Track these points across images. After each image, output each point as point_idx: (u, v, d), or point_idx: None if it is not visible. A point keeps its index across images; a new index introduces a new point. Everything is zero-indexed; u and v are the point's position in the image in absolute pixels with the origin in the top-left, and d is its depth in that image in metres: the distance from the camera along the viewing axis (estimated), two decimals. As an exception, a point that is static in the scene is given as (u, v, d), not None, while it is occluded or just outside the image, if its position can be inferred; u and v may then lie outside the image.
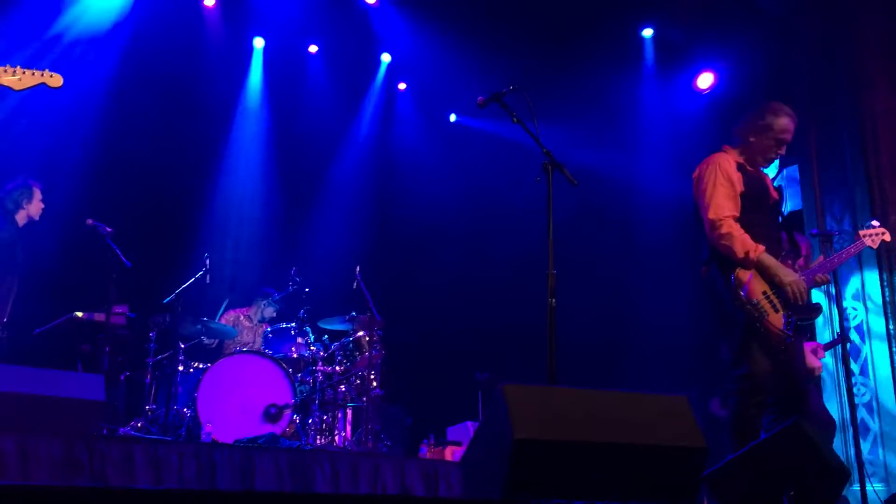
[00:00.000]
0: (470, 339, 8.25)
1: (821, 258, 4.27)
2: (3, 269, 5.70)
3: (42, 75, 3.10)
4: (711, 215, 4.06)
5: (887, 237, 4.47)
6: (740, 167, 4.18)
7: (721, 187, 4.09)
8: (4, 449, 4.14)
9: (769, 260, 3.98)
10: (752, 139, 4.23)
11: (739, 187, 4.12)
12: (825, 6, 7.20)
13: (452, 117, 9.65)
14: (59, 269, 6.58)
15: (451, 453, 6.65)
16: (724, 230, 4.01)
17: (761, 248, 3.98)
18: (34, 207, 5.84)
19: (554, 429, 2.69)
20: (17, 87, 3.04)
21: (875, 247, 4.47)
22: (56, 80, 3.14)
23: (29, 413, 4.59)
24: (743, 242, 3.98)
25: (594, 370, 7.19)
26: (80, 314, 5.92)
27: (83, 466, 4.42)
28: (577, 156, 6.42)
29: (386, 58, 9.11)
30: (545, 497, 2.68)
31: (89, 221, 5.98)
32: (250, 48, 8.81)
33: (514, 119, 4.09)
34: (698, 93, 8.31)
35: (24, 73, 3.06)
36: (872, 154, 6.86)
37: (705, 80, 8.25)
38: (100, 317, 6.02)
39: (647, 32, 8.38)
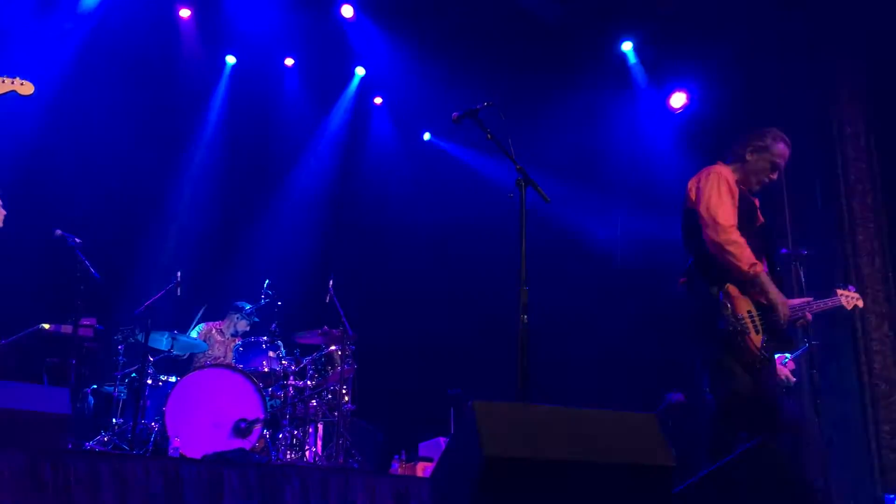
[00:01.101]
0: (442, 355, 8.24)
1: (805, 299, 4.33)
2: None
3: (13, 83, 3.07)
4: (721, 220, 3.99)
5: (860, 303, 4.73)
6: (736, 183, 4.22)
7: (725, 194, 4.07)
8: (-38, 465, 4.05)
9: (766, 278, 3.99)
10: (748, 157, 4.26)
11: (735, 202, 4.15)
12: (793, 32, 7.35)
13: (427, 136, 9.67)
14: (25, 280, 6.49)
15: (422, 469, 6.60)
16: (732, 237, 3.97)
17: (761, 265, 3.99)
18: None
19: (523, 446, 2.68)
20: (-15, 96, 3.00)
21: (849, 308, 4.71)
22: (27, 88, 3.10)
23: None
24: (749, 254, 3.96)
25: (567, 387, 7.21)
26: (46, 326, 5.83)
27: (46, 483, 4.33)
28: (550, 172, 6.46)
29: (360, 71, 9.12)
30: (514, 515, 2.67)
31: (58, 232, 5.90)
32: (223, 61, 8.78)
33: (489, 135, 4.11)
34: (672, 111, 8.40)
35: (-7, 80, 3.01)
36: (842, 174, 6.98)
37: (678, 100, 8.34)
38: (67, 329, 5.93)
39: (627, 46, 8.43)
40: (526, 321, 3.81)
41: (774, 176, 4.30)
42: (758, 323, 3.97)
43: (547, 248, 7.55)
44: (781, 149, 4.26)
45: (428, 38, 8.10)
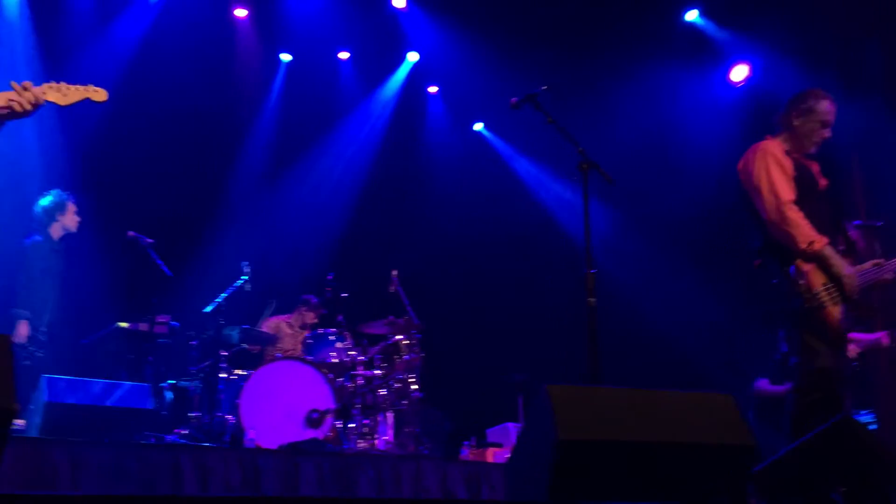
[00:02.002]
0: (506, 340, 8.24)
1: (875, 261, 4.18)
2: (40, 280, 5.84)
3: (87, 90, 3.15)
4: (771, 200, 3.95)
5: None
6: (787, 153, 4.13)
7: (775, 171, 4.00)
8: (56, 459, 4.22)
9: (830, 252, 3.89)
10: (796, 123, 4.18)
11: (791, 172, 4.07)
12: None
13: (479, 125, 9.66)
14: (103, 281, 6.71)
15: (491, 455, 6.64)
16: (786, 216, 3.91)
17: (826, 239, 3.90)
18: (69, 220, 5.97)
19: (599, 429, 2.68)
20: (63, 103, 3.09)
21: None
22: (100, 95, 3.18)
23: (79, 423, 4.69)
24: (806, 232, 3.89)
25: (633, 369, 7.15)
26: (124, 324, 6.03)
27: (132, 474, 4.49)
28: (614, 152, 6.38)
29: (413, 57, 9.06)
30: (592, 499, 2.67)
31: (130, 233, 6.09)
32: (278, 59, 8.90)
33: (549, 119, 4.10)
34: (732, 85, 8.23)
35: (69, 88, 3.10)
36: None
37: (740, 73, 8.16)
38: (143, 327, 6.12)
39: (692, 15, 8.17)
40: (594, 303, 3.80)
41: (827, 133, 4.21)
42: (835, 295, 3.88)
43: (612, 228, 7.48)
44: (827, 106, 4.16)
45: (481, 24, 8.06)
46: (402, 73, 9.21)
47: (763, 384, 6.37)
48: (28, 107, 2.97)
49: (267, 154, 8.82)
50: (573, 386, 2.80)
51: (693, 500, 2.71)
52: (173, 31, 7.84)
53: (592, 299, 3.78)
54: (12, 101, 2.92)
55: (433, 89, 9.51)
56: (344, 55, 9.02)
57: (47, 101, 3.07)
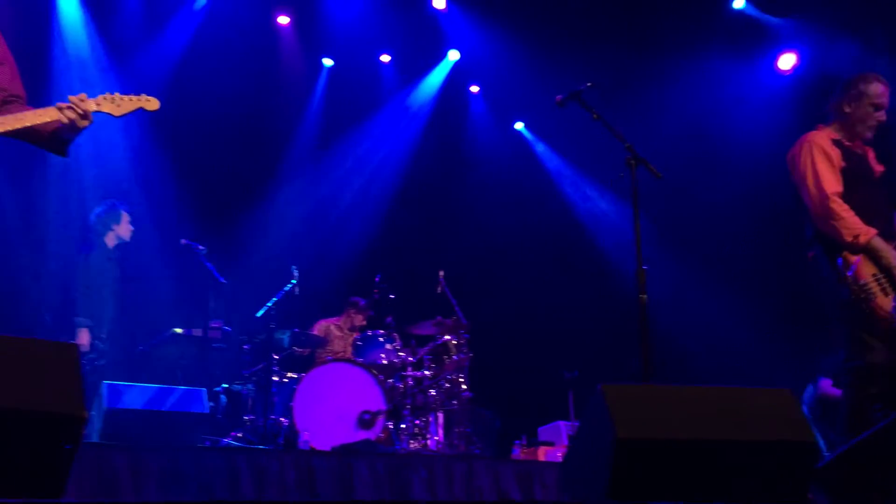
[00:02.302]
0: (556, 338, 8.20)
1: None
2: (97, 289, 5.98)
3: (139, 100, 3.20)
4: (815, 193, 3.90)
5: None
6: (837, 143, 4.05)
7: (821, 163, 3.94)
8: (117, 464, 4.32)
9: (879, 243, 3.81)
10: (847, 110, 4.10)
11: (839, 163, 3.99)
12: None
13: (519, 125, 9.64)
14: (158, 288, 6.84)
15: (543, 453, 6.62)
16: (830, 209, 3.86)
17: (873, 231, 3.82)
18: (123, 229, 6.11)
19: (656, 427, 2.66)
20: (116, 114, 3.15)
21: None
22: (153, 104, 3.22)
23: (138, 428, 4.80)
24: (851, 225, 3.82)
25: (683, 366, 7.07)
26: (179, 330, 6.14)
27: (190, 478, 4.57)
28: (661, 146, 6.30)
29: (454, 55, 9.04)
30: (650, 498, 2.65)
31: (183, 241, 6.21)
32: (320, 64, 8.97)
33: (595, 116, 4.07)
34: (780, 74, 8.08)
35: (122, 99, 3.16)
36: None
37: (787, 61, 8.01)
38: (197, 332, 6.24)
39: (739, 3, 8.05)
40: (645, 300, 3.77)
41: (882, 116, 4.11)
42: (885, 284, 3.79)
43: (662, 224, 7.39)
44: (878, 88, 4.07)
45: (521, 22, 8.04)
46: (442, 72, 9.21)
47: (825, 385, 6.25)
48: (83, 120, 3.03)
49: (311, 158, 8.91)
50: (628, 385, 2.78)
51: (754, 498, 2.67)
52: (217, 38, 7.95)
53: (644, 296, 3.74)
54: (68, 114, 2.99)
55: (475, 89, 9.51)
56: (385, 58, 9.06)
57: (101, 112, 3.13)
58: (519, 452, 6.76)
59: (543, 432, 7.18)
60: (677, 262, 7.79)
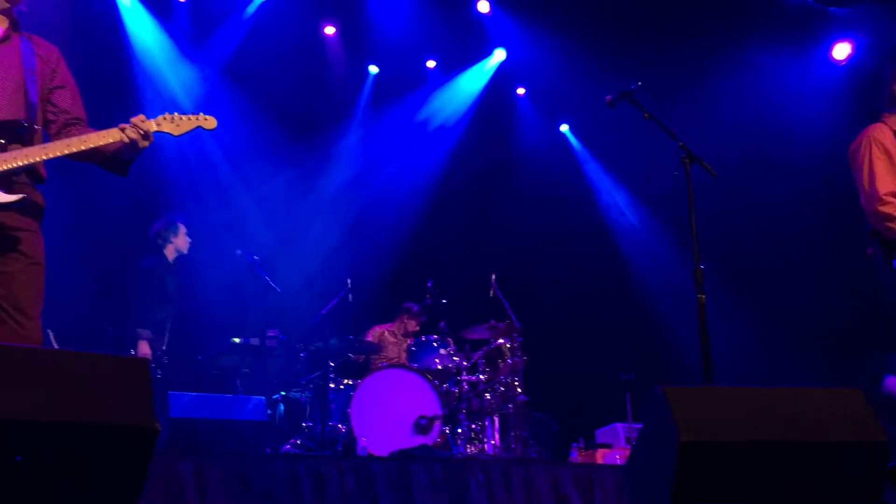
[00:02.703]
0: (611, 339, 8.14)
1: None
2: (157, 300, 6.12)
3: (198, 119, 3.26)
4: (869, 193, 3.83)
5: None
6: None
7: (878, 161, 3.85)
8: (182, 472, 4.41)
9: None
10: None
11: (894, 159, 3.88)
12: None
13: (564, 127, 9.60)
14: (215, 298, 6.97)
15: (601, 456, 6.57)
16: (883, 211, 3.78)
17: None
18: (181, 241, 6.24)
19: (721, 430, 2.62)
20: (175, 133, 3.22)
21: None
22: (210, 123, 3.28)
23: (202, 436, 4.89)
24: None
25: (743, 366, 6.95)
26: (237, 340, 6.25)
27: (253, 485, 4.65)
28: (714, 143, 6.21)
29: (500, 56, 9.02)
30: (715, 501, 2.62)
31: (238, 251, 6.33)
32: (366, 71, 9.05)
33: (646, 115, 4.03)
34: (835, 64, 7.89)
35: (181, 118, 3.22)
36: None
37: (842, 51, 7.83)
38: (255, 341, 6.34)
39: None
40: (704, 300, 3.72)
41: None
42: None
43: (720, 222, 7.26)
44: None
45: (567, 23, 7.99)
46: (488, 74, 9.20)
47: (892, 382, 6.08)
48: (144, 140, 3.11)
49: (359, 164, 8.97)
50: (690, 387, 2.75)
51: (824, 500, 2.62)
52: (265, 47, 8.05)
53: (702, 295, 3.69)
54: (129, 134, 3.07)
55: (521, 91, 9.49)
56: (431, 63, 9.10)
57: (161, 132, 3.20)
58: (577, 455, 6.72)
59: (601, 434, 7.12)
60: (734, 260, 7.65)
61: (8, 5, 3.07)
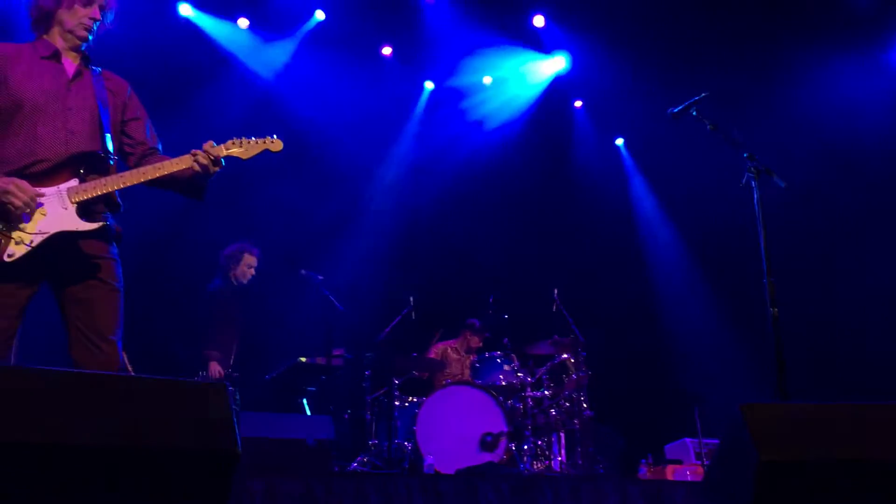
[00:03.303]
0: (677, 353, 8.00)
1: None
2: (223, 322, 6.25)
3: (265, 142, 3.32)
4: None
5: None
6: None
7: None
8: (254, 489, 4.48)
9: None
10: None
11: None
12: None
13: (619, 141, 9.52)
14: (281, 319, 7.07)
15: (672, 472, 6.45)
16: None
17: None
18: (240, 270, 6.37)
19: (803, 448, 2.55)
20: (244, 157, 3.29)
21: None
22: (277, 145, 3.34)
23: (270, 455, 4.96)
24: None
25: (818, 382, 6.75)
26: (303, 359, 6.32)
27: (321, 503, 4.69)
28: (783, 154, 6.07)
29: (559, 64, 8.97)
30: (798, 521, 2.54)
31: (302, 271, 6.42)
32: (421, 87, 9.12)
33: (712, 126, 3.98)
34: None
35: (248, 142, 3.29)
36: None
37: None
38: (321, 360, 6.41)
39: None
40: (777, 313, 3.63)
41: None
42: None
43: (791, 235, 7.09)
44: None
45: (624, 35, 7.93)
46: (543, 87, 9.18)
47: None
48: (215, 166, 3.19)
49: (420, 183, 9.00)
50: (769, 403, 2.68)
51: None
52: (319, 63, 8.17)
53: (775, 309, 3.60)
54: (201, 160, 3.15)
55: (578, 104, 9.44)
56: (487, 80, 9.13)
57: (230, 157, 3.27)
58: (646, 471, 6.61)
59: (670, 450, 6.99)
60: (808, 272, 7.43)
61: (79, 42, 3.19)
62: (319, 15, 8.16)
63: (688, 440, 6.86)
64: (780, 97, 7.77)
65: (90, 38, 3.21)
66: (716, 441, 6.34)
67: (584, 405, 6.61)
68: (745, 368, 7.59)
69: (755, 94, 7.69)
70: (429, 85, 9.13)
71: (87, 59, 3.27)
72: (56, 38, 3.19)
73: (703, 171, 7.84)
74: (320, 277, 6.43)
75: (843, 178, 7.63)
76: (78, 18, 3.16)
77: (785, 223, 6.64)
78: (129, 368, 3.14)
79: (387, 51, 8.71)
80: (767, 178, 3.76)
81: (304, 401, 6.45)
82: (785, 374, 3.53)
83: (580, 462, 6.47)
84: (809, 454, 2.54)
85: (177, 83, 7.25)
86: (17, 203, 2.86)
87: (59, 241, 2.94)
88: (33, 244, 2.90)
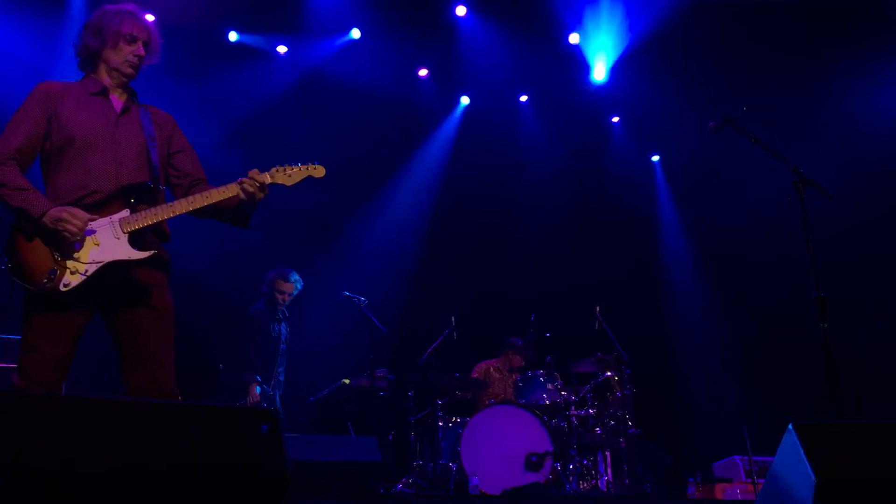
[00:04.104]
0: (722, 369, 7.88)
1: None
2: (263, 345, 6.31)
3: (308, 169, 3.37)
4: None
5: None
6: None
7: None
8: (301, 513, 4.50)
9: None
10: None
11: None
12: None
13: (655, 157, 9.47)
14: (324, 341, 7.13)
15: (721, 491, 6.34)
16: None
17: None
18: (278, 295, 6.44)
19: (859, 467, 2.50)
20: (288, 184, 3.34)
21: None
22: (319, 171, 3.38)
23: (315, 477, 4.98)
24: None
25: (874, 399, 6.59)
26: (346, 381, 6.36)
27: (370, 525, 4.70)
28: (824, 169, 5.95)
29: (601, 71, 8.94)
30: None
31: (345, 293, 6.47)
32: (457, 100, 9.15)
33: (753, 140, 3.95)
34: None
35: (292, 169, 3.34)
36: None
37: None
38: (364, 382, 6.44)
39: None
40: (826, 328, 3.57)
41: None
42: None
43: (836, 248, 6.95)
44: None
45: (662, 51, 7.90)
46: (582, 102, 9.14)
47: None
48: (260, 192, 3.24)
49: (457, 202, 9.02)
50: (823, 422, 2.63)
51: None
52: (356, 76, 8.24)
53: (825, 325, 3.54)
54: (246, 188, 3.20)
55: (615, 119, 9.41)
56: (523, 98, 9.15)
57: (275, 184, 3.32)
58: (694, 491, 6.50)
59: (718, 468, 6.87)
60: (857, 287, 7.25)
61: (125, 79, 3.30)
62: (355, 33, 8.26)
63: (737, 458, 6.74)
64: (825, 109, 7.64)
65: (135, 74, 3.31)
66: (765, 458, 6.22)
67: (630, 423, 6.54)
68: (790, 385, 7.44)
69: (799, 106, 7.57)
70: (464, 100, 9.18)
71: (133, 95, 3.37)
72: (103, 76, 3.30)
73: (742, 187, 7.76)
74: (363, 299, 6.47)
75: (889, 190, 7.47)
76: (123, 56, 3.27)
77: (831, 236, 6.52)
78: (178, 393, 3.19)
79: (423, 72, 8.78)
80: (813, 191, 3.71)
81: (349, 423, 6.47)
82: (838, 389, 3.47)
83: (627, 481, 6.39)
84: (867, 473, 2.49)
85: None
86: (72, 230, 2.95)
87: (113, 270, 3.01)
88: (88, 273, 2.97)
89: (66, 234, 2.95)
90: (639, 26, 7.96)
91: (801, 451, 2.50)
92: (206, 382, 6.40)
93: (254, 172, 3.24)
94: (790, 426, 2.57)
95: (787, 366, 7.50)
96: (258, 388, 6.14)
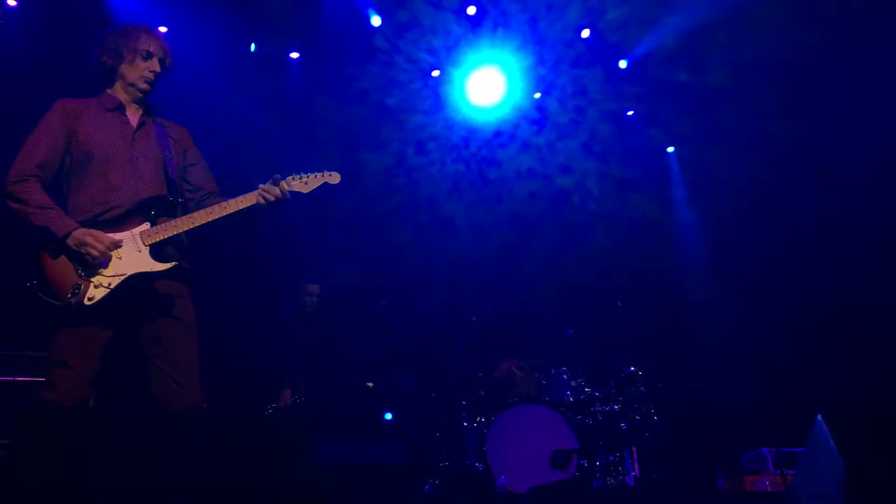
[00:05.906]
0: (749, 360, 7.80)
1: None
2: (292, 350, 6.37)
3: (323, 176, 3.40)
4: None
5: None
6: None
7: None
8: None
9: None
10: None
11: None
12: None
13: (671, 149, 9.40)
14: (349, 344, 7.14)
15: (750, 483, 6.28)
16: None
17: None
18: (304, 300, 6.51)
19: (887, 457, 2.48)
20: (305, 191, 3.38)
21: None
22: (335, 178, 3.42)
23: (343, 481, 4.99)
24: None
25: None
26: (370, 384, 6.37)
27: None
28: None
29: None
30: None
31: (382, 302, 6.52)
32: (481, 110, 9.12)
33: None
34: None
35: (308, 177, 3.37)
36: None
37: None
38: (388, 384, 6.46)
39: None
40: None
41: None
42: None
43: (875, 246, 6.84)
44: None
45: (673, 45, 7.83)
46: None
47: None
48: (278, 199, 3.27)
49: (479, 200, 9.00)
50: (851, 415, 2.61)
51: None
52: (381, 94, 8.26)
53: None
54: (265, 197, 3.23)
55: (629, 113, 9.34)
56: (536, 95, 9.11)
57: (292, 191, 3.34)
58: (723, 483, 6.45)
59: (747, 460, 6.82)
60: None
61: (140, 95, 3.34)
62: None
63: (765, 450, 6.68)
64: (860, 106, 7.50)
65: (150, 90, 3.35)
66: (794, 450, 6.16)
67: (655, 418, 6.50)
68: (817, 378, 7.35)
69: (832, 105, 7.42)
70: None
71: (149, 110, 3.41)
72: (119, 92, 3.35)
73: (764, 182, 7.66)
74: (384, 302, 6.49)
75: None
76: (139, 72, 3.31)
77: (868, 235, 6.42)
78: (203, 402, 3.21)
79: (435, 73, 8.76)
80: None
81: (375, 426, 6.49)
82: (869, 383, 3.44)
83: (654, 476, 6.35)
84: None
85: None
86: (95, 253, 3.00)
87: (135, 283, 3.05)
88: (111, 286, 3.01)
89: (88, 257, 2.99)
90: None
91: (832, 443, 2.48)
92: (237, 389, 6.45)
93: (272, 180, 3.27)
94: (819, 417, 2.55)
95: (815, 357, 7.42)
96: (288, 391, 6.18)
